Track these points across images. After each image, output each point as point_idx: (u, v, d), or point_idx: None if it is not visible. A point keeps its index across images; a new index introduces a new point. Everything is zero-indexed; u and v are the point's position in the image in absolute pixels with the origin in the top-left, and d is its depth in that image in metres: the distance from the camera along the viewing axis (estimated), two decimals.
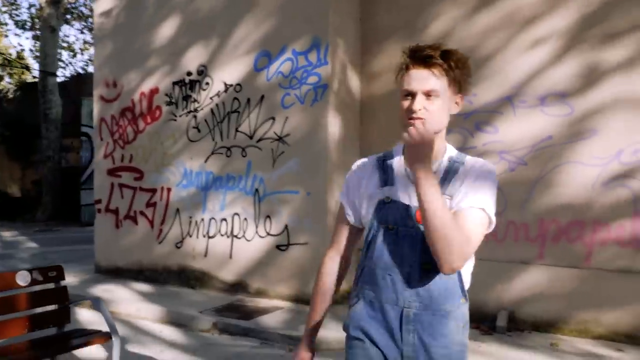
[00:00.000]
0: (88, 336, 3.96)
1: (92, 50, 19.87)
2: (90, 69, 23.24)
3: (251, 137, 6.65)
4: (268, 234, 6.56)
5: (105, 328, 4.05)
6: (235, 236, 6.79)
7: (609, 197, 5.31)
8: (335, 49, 6.18)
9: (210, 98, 6.98)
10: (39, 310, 4.03)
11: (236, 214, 6.78)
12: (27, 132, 18.64)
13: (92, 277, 7.88)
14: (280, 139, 6.45)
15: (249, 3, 6.65)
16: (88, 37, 24.27)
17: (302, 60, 6.27)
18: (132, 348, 5.07)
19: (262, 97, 6.54)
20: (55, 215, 17.31)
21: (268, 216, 6.55)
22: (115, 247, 7.89)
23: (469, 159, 1.85)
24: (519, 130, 5.60)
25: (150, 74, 7.51)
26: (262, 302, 6.42)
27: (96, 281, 7.59)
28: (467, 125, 5.87)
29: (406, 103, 1.76)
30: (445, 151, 1.87)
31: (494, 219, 1.78)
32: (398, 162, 1.89)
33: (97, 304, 3.96)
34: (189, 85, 7.17)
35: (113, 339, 3.85)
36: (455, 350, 1.81)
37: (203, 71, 7.04)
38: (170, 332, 5.62)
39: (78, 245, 11.69)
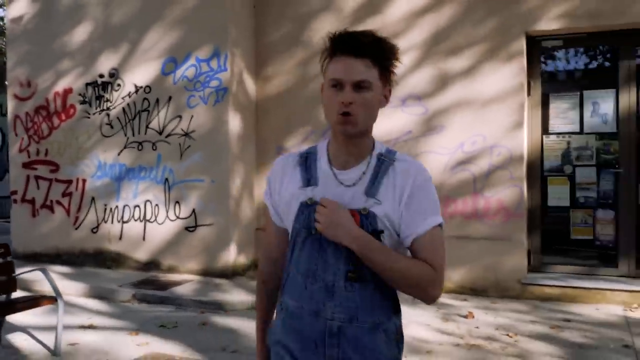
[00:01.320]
0: (34, 300, 4.82)
1: None
2: None
3: (160, 133, 7.56)
4: (177, 217, 7.51)
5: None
6: (148, 220, 7.69)
7: (455, 179, 6.69)
8: (233, 58, 7.20)
9: (122, 98, 7.81)
10: None
11: (148, 200, 7.68)
12: None
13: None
14: (186, 134, 7.41)
15: (157, 14, 7.53)
16: None
17: (204, 67, 7.25)
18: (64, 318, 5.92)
19: (170, 97, 7.46)
20: None
21: (177, 202, 7.51)
22: (32, 234, 8.53)
23: (399, 158, 1.71)
24: (385, 126, 6.85)
25: (63, 75, 8.20)
26: (174, 277, 7.38)
27: (16, 265, 8.21)
28: None
29: (333, 94, 1.61)
30: (374, 147, 1.72)
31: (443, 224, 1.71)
32: (322, 160, 1.73)
33: (43, 272, 4.82)
34: (101, 86, 7.95)
35: (58, 300, 4.75)
36: None
37: (114, 74, 7.85)
38: (95, 304, 6.48)
39: None
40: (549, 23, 6.33)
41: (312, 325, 1.66)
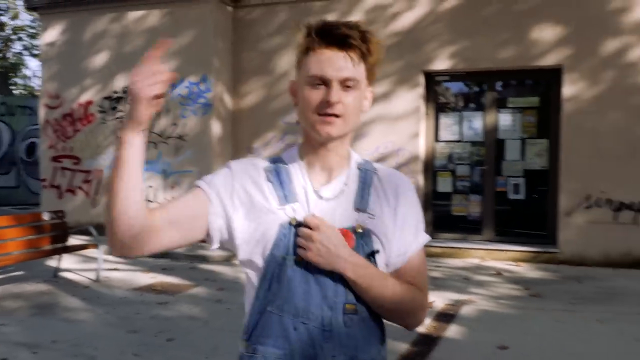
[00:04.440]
0: (83, 246, 7.42)
1: None
2: None
3: (161, 136, 10.16)
4: (173, 198, 10.13)
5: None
6: (150, 201, 10.28)
7: None
8: (216, 82, 9.83)
9: None
10: (54, 233, 7.41)
11: (150, 186, 10.26)
12: None
13: None
14: (180, 137, 10.03)
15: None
16: None
17: (195, 88, 9.88)
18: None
19: (169, 110, 10.07)
20: None
21: (172, 187, 10.11)
22: None
23: (378, 167, 1.53)
24: None
25: (86, 90, 10.77)
26: None
27: None
28: (298, 130, 9.73)
29: (316, 93, 1.36)
30: (350, 156, 1.49)
31: None
32: (296, 172, 1.45)
33: (89, 228, 7.42)
34: (115, 100, 10.54)
35: (99, 245, 7.35)
36: None
37: (127, 91, 10.43)
38: (114, 258, 9.07)
39: None
40: (439, 64, 9.05)
41: None
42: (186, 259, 8.85)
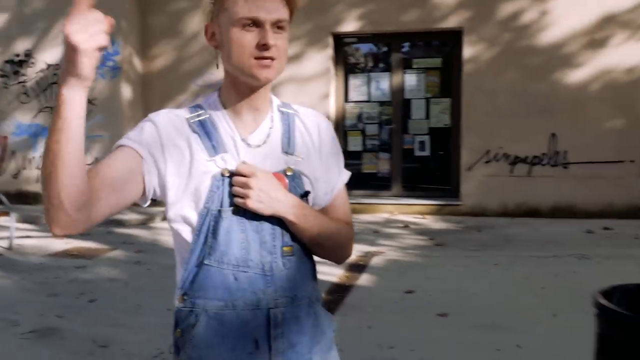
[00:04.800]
0: None
1: None
2: None
3: None
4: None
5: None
6: None
7: None
8: (125, 44, 9.66)
9: (36, 73, 10.06)
10: None
11: None
12: None
13: None
14: (90, 101, 9.77)
15: (63, 9, 9.81)
16: None
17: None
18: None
19: None
20: None
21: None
22: None
23: (298, 108, 1.53)
24: None
25: None
26: None
27: None
28: (210, 92, 9.75)
29: (250, 35, 1.32)
30: (272, 100, 1.49)
31: None
32: (220, 120, 1.42)
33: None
34: (18, 64, 10.14)
35: (10, 213, 7.22)
36: (327, 338, 1.50)
37: (29, 54, 10.07)
38: (25, 226, 8.89)
39: None
40: (347, 26, 9.29)
41: (249, 321, 1.36)
42: (101, 224, 8.78)
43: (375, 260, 6.38)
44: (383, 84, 9.49)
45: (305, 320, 1.44)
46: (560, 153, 8.75)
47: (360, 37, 9.54)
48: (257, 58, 1.33)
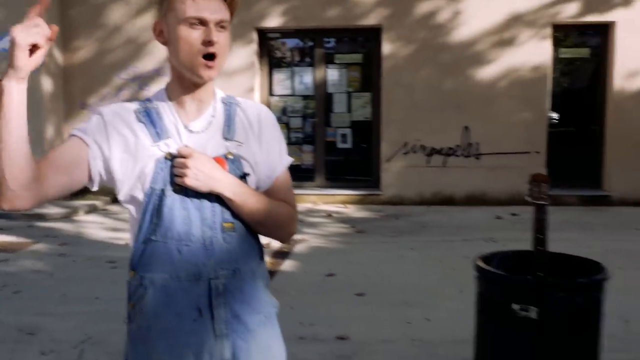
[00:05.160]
0: None
1: None
2: None
3: None
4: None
5: None
6: None
7: None
8: None
9: None
10: None
11: None
12: None
13: None
14: None
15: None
16: None
17: None
18: None
19: None
20: None
21: None
22: None
23: (240, 100, 1.69)
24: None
25: None
26: None
27: None
28: (134, 86, 9.75)
29: (196, 33, 1.49)
30: (215, 92, 1.65)
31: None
32: (166, 110, 1.59)
33: None
34: None
35: None
36: (270, 312, 1.65)
37: None
38: None
39: None
40: (271, 22, 9.50)
41: (192, 291, 1.51)
42: (23, 218, 8.68)
43: (298, 247, 6.65)
44: (306, 78, 9.76)
45: (249, 292, 1.58)
46: (473, 145, 9.29)
47: (284, 32, 9.77)
48: (203, 57, 1.50)
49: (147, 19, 9.52)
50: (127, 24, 9.68)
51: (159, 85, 9.57)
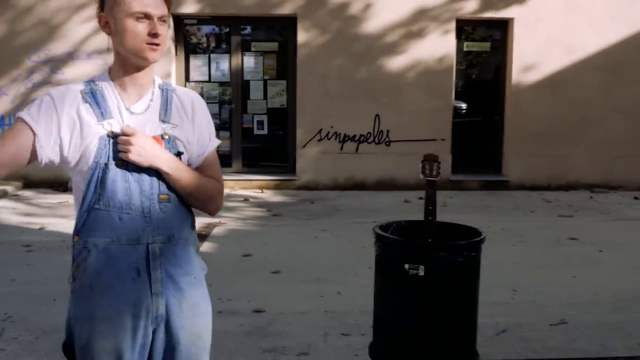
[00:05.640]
0: None
1: None
2: None
3: None
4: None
5: None
6: None
7: None
8: None
9: None
10: None
11: None
12: None
13: None
14: None
15: None
16: None
17: None
18: None
19: None
20: None
21: None
22: None
23: (175, 87, 1.90)
24: (77, 73, 9.47)
25: None
26: None
27: None
28: (46, 68, 9.55)
29: (142, 26, 1.69)
30: (154, 79, 1.84)
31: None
32: (110, 93, 1.77)
33: None
34: None
35: None
36: (199, 274, 1.87)
37: None
38: None
39: None
40: (187, 8, 9.54)
41: (132, 253, 1.72)
42: None
43: (216, 230, 6.84)
44: (223, 65, 9.90)
45: (181, 256, 1.81)
46: (384, 132, 9.74)
47: (201, 19, 9.86)
48: (148, 43, 1.71)
49: (61, 1, 9.35)
50: (40, 4, 9.45)
51: (72, 69, 9.44)
